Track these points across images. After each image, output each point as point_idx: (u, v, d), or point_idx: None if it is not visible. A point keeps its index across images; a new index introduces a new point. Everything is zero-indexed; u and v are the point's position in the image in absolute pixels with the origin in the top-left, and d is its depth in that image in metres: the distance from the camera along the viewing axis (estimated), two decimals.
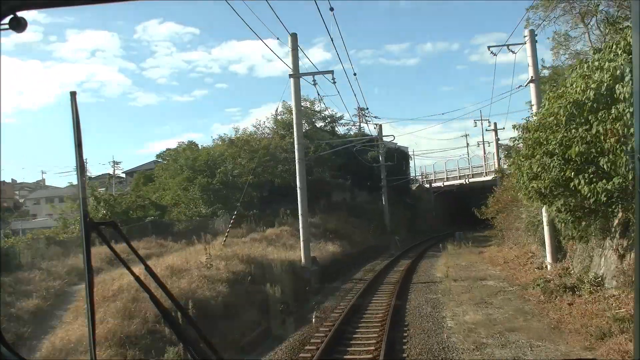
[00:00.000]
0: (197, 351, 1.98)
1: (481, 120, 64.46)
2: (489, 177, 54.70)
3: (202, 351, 2.00)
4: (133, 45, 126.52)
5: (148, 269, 2.12)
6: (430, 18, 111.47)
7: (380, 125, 40.85)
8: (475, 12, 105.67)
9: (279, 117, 40.13)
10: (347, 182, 44.69)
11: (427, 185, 61.13)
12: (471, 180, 57.60)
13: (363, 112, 54.28)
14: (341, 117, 40.68)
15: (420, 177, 62.88)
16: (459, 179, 58.94)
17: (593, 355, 8.69)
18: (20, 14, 1.91)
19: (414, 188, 58.72)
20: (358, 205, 43.78)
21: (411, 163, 63.58)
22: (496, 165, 38.82)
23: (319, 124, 40.70)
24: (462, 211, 76.76)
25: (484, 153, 60.30)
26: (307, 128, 40.90)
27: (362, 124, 52.28)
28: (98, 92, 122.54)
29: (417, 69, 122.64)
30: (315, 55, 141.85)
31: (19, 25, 1.88)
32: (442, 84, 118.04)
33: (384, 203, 40.29)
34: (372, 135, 47.09)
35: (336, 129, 42.68)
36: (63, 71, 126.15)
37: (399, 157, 50.15)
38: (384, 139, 44.92)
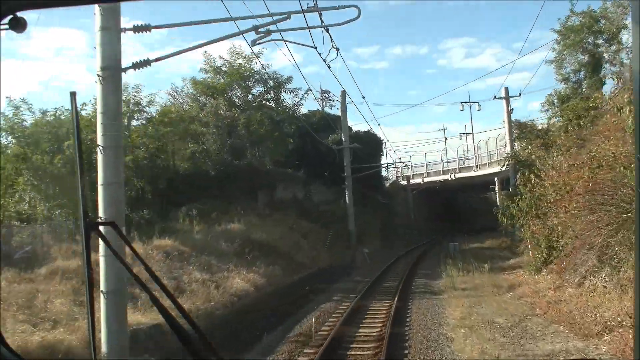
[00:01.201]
0: (197, 351, 1.93)
1: (469, 103, 53.78)
2: (482, 172, 43.59)
3: (202, 351, 1.95)
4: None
5: (148, 269, 2.09)
6: (399, 21, 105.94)
7: (344, 92, 28.94)
8: (444, 16, 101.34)
9: (199, 77, 27.94)
10: (300, 174, 32.74)
11: (404, 182, 49.69)
12: (458, 175, 46.42)
13: (327, 96, 42.72)
14: (289, 80, 28.62)
15: (395, 171, 51.44)
16: (443, 174, 47.71)
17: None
18: (20, 13, 1.92)
19: (387, 185, 47.14)
20: (314, 204, 31.93)
21: (384, 159, 52.26)
22: (508, 148, 27.21)
23: (258, 88, 28.61)
24: (447, 213, 65.69)
25: (474, 143, 49.29)
26: (240, 94, 28.79)
27: (326, 109, 40.62)
28: (65, 91, 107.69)
29: (386, 72, 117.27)
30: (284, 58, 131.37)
31: (18, 25, 1.87)
32: (411, 88, 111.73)
33: (347, 201, 28.38)
34: (334, 115, 35.37)
35: (285, 98, 30.57)
36: (29, 69, 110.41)
37: (371, 144, 38.66)
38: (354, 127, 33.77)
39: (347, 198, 28.12)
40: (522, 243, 22.19)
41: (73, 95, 1.94)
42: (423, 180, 48.61)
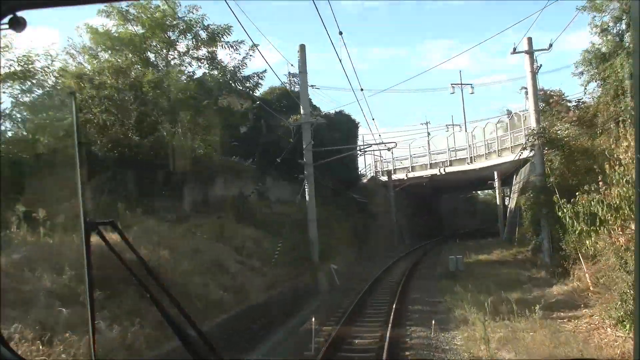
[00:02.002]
0: (197, 351, 1.95)
1: (461, 85, 46.54)
2: (478, 164, 36.16)
3: (202, 351, 1.97)
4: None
5: (147, 268, 2.16)
6: (378, 23, 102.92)
7: (303, 47, 20.80)
8: (424, 18, 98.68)
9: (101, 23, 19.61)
10: (249, 164, 24.70)
11: (384, 178, 41.98)
12: (449, 169, 38.92)
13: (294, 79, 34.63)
14: (227, 30, 20.33)
15: (374, 165, 43.74)
16: (430, 168, 40.16)
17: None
18: (19, 13, 1.94)
19: (365, 181, 39.36)
20: (267, 204, 23.93)
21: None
22: (532, 124, 19.44)
23: (184, 43, 20.35)
24: (435, 214, 58.55)
25: (466, 131, 41.91)
26: (159, 49, 20.65)
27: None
28: None
29: (367, 73, 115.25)
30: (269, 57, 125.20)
31: (18, 25, 1.88)
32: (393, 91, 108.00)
33: (307, 199, 20.28)
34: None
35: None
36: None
37: (343, 128, 30.85)
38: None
39: (306, 194, 20.12)
40: (568, 261, 14.53)
41: (73, 94, 1.83)
42: (407, 176, 41.01)
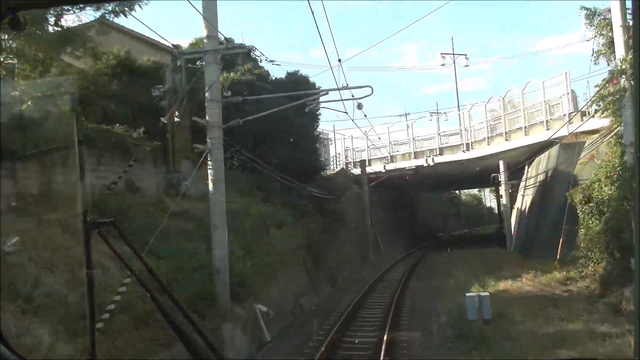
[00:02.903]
0: (197, 351, 1.93)
1: (453, 54, 38.37)
2: (478, 152, 27.84)
3: (202, 351, 1.96)
4: None
5: (147, 267, 2.19)
6: (356, 24, 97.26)
7: None
8: (402, 20, 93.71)
9: None
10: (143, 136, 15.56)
11: (356, 171, 33.20)
12: (439, 159, 30.44)
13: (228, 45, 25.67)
14: None
15: (344, 155, 35.01)
16: (415, 157, 31.60)
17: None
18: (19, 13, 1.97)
19: (330, 174, 30.54)
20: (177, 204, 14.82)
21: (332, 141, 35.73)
22: (620, 54, 10.85)
23: None
24: (417, 216, 50.11)
25: (458, 110, 33.51)
26: None
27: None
28: None
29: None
30: None
31: (18, 25, 1.88)
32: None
33: (211, 189, 11.27)
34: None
35: None
36: None
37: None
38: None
39: (210, 181, 11.07)
40: None
41: (73, 95, 1.55)
42: (385, 168, 32.37)
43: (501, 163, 27.06)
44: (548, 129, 22.91)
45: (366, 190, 29.08)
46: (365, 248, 28.44)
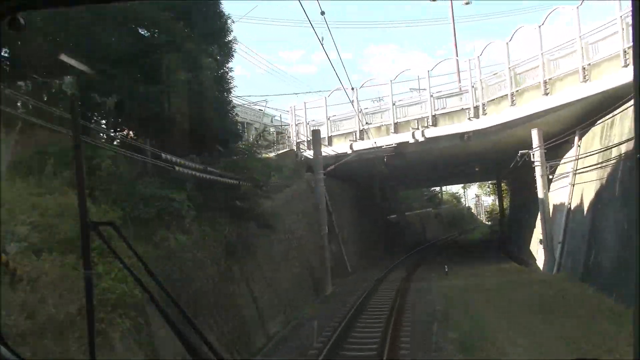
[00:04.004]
0: (197, 351, 1.96)
1: None
2: (496, 118, 17.71)
3: (202, 351, 1.98)
4: None
5: (147, 268, 2.16)
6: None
7: None
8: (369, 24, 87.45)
9: None
10: None
11: (307, 153, 22.58)
12: (432, 133, 20.26)
13: None
14: None
15: (296, 132, 24.36)
16: (396, 131, 21.25)
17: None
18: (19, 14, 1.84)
19: (271, 155, 19.94)
20: None
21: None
22: None
23: None
24: (399, 220, 36.24)
25: (457, 59, 23.45)
26: None
27: None
28: None
29: (314, 77, 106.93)
30: None
31: (18, 26, 1.82)
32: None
33: None
34: None
35: None
36: None
37: (198, 18, 11.69)
38: None
39: None
40: None
41: (73, 99, 1.59)
42: (352, 147, 21.95)
43: (535, 133, 16.98)
44: (627, 65, 13.15)
45: (321, 179, 18.50)
46: (320, 270, 17.97)
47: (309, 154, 23.35)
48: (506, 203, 47.28)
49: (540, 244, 19.36)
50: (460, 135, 19.43)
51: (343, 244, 23.90)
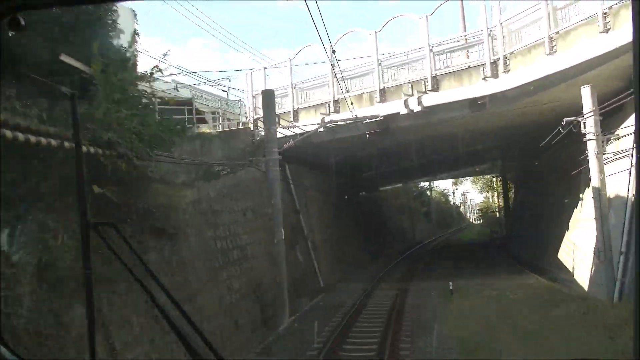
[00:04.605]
0: (197, 351, 1.94)
1: None
2: (523, 75, 12.11)
3: (202, 351, 1.95)
4: None
5: (147, 268, 2.14)
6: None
7: None
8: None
9: None
10: None
11: (254, 126, 17.06)
12: (432, 99, 14.79)
13: None
14: None
15: (252, 102, 18.76)
16: (382, 99, 15.79)
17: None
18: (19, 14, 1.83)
19: (206, 131, 14.39)
20: None
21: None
22: None
23: None
24: (376, 215, 28.94)
25: None
26: None
27: None
28: None
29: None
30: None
31: (18, 25, 1.83)
32: None
33: None
34: None
35: None
36: None
37: None
38: None
39: None
40: None
41: (73, 95, 2.17)
42: (324, 121, 16.42)
43: (587, 93, 11.59)
44: None
45: (276, 160, 12.80)
46: (277, 289, 12.44)
47: (259, 130, 17.93)
48: (502, 204, 42.50)
49: (575, 252, 14.13)
50: (471, 102, 14.04)
51: (314, 251, 18.47)
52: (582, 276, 13.72)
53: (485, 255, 24.62)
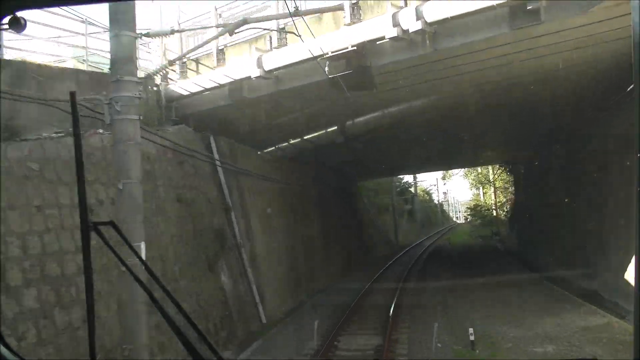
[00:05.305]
0: (196, 351, 1.90)
1: None
2: None
3: (201, 351, 1.92)
4: None
5: (147, 269, 2.14)
6: None
7: None
8: None
9: None
10: None
11: (179, 86, 10.64)
12: (440, 13, 8.45)
13: None
14: None
15: (162, 45, 12.33)
16: (358, 16, 9.52)
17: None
18: (19, 13, 1.87)
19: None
20: None
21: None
22: None
23: None
24: (352, 212, 22.52)
25: None
26: None
27: None
28: None
29: None
30: None
31: (18, 25, 1.84)
32: None
33: None
34: None
35: None
36: None
37: None
38: None
39: None
40: None
41: (73, 95, 1.97)
42: (262, 64, 10.10)
43: None
44: None
45: (128, 106, 6.37)
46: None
47: (182, 87, 11.68)
48: (502, 200, 37.39)
49: None
50: (513, 11, 7.80)
51: (253, 269, 12.05)
52: None
53: (498, 268, 18.36)
